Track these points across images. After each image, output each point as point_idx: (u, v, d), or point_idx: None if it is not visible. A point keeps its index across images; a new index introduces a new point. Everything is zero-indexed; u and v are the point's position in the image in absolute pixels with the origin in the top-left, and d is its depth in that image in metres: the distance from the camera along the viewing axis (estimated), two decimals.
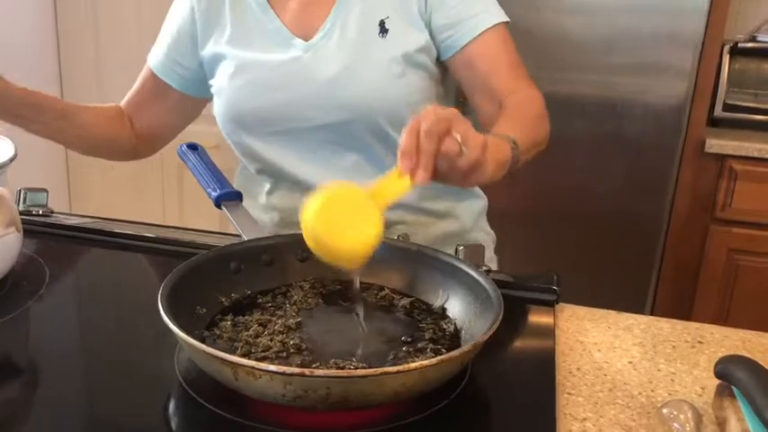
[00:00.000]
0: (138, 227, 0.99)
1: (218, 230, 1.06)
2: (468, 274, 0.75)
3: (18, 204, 1.00)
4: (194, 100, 1.13)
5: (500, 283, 0.79)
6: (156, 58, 1.11)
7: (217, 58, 1.03)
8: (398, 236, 0.93)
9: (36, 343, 0.75)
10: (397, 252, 0.81)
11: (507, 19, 0.99)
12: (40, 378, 0.68)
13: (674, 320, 0.85)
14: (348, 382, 0.56)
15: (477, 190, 1.13)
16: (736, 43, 2.12)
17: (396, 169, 0.67)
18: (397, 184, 0.68)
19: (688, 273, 2.14)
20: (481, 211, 1.13)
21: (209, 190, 0.88)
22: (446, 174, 0.70)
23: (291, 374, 0.55)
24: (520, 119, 0.92)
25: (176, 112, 1.16)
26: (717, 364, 0.63)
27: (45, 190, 1.05)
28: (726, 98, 2.12)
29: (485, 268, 0.86)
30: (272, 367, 0.55)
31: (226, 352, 0.58)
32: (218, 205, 0.87)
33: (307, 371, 0.55)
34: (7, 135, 0.97)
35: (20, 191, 1.01)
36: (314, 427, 0.60)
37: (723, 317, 2.09)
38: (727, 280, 2.11)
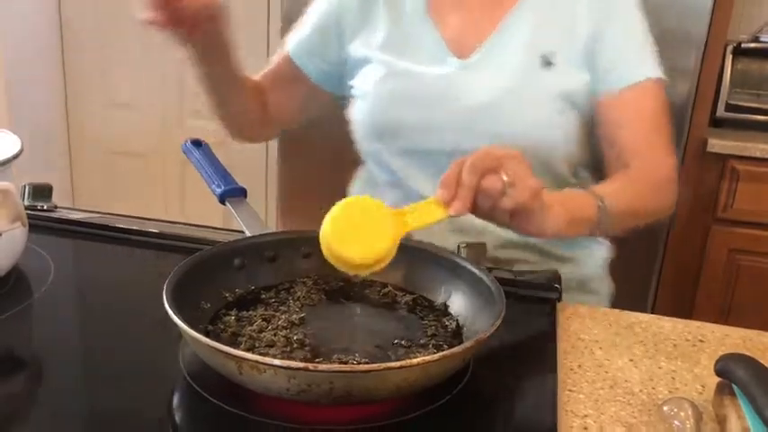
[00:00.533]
0: (143, 222, 1.00)
1: (219, 226, 1.06)
2: (470, 271, 0.76)
3: (23, 199, 1.01)
4: (324, 94, 1.09)
5: (502, 281, 0.79)
6: (296, 44, 1.07)
7: (364, 60, 1.00)
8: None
9: (41, 337, 0.75)
10: (399, 250, 0.81)
11: (663, 77, 0.95)
12: (45, 372, 0.68)
13: (676, 319, 0.85)
14: (351, 377, 0.56)
15: (603, 238, 1.07)
16: (740, 44, 2.12)
17: (433, 198, 0.70)
18: (431, 212, 0.70)
19: (689, 273, 2.14)
20: (605, 260, 1.07)
21: (214, 186, 0.88)
22: (490, 212, 0.71)
23: (296, 369, 0.55)
24: (632, 184, 0.89)
25: (304, 101, 1.12)
26: (717, 362, 0.64)
27: (49, 185, 1.05)
28: (728, 98, 2.12)
29: (486, 266, 0.86)
30: (277, 361, 0.55)
31: (230, 346, 0.58)
32: (222, 201, 0.87)
33: (310, 365, 0.55)
34: (12, 130, 0.98)
35: (24, 186, 1.02)
36: (317, 422, 0.60)
37: (724, 317, 2.09)
38: (729, 280, 2.11)
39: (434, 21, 0.96)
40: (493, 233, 0.96)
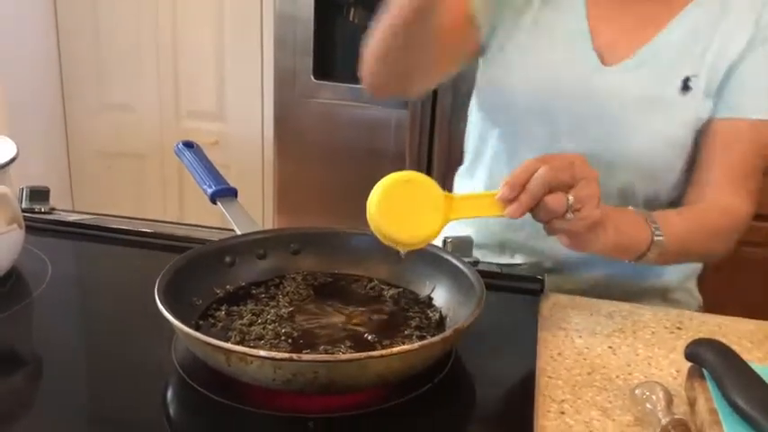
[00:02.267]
0: (137, 222, 1.02)
1: (217, 226, 1.08)
2: (453, 264, 0.78)
3: (21, 202, 1.03)
4: (470, 56, 0.98)
5: (487, 274, 0.82)
6: None
7: (507, 39, 0.94)
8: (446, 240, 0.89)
9: (39, 335, 0.78)
10: (383, 244, 0.84)
11: None
12: (43, 369, 0.71)
13: (656, 307, 0.88)
14: (334, 366, 0.59)
15: None
16: None
17: (493, 191, 0.69)
18: (486, 206, 0.69)
19: None
20: (691, 272, 1.03)
21: (205, 186, 0.90)
22: (543, 222, 0.70)
23: (281, 359, 0.58)
24: (696, 222, 0.85)
25: (460, 55, 0.97)
26: (687, 347, 0.66)
27: (47, 188, 1.08)
28: None
29: (471, 260, 0.89)
30: (262, 353, 0.58)
31: (220, 340, 0.61)
32: (213, 201, 0.89)
33: (295, 355, 0.58)
34: (9, 135, 1.00)
35: (22, 189, 1.04)
36: (304, 410, 0.63)
37: (726, 309, 2.10)
38: (730, 271, 2.13)
39: (587, 7, 0.92)
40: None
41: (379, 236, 0.70)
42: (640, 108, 0.90)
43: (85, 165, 2.63)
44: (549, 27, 0.93)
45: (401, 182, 0.69)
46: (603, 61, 0.91)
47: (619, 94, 0.90)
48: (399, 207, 0.68)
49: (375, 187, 0.69)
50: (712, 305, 2.12)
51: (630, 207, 0.83)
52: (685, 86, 0.88)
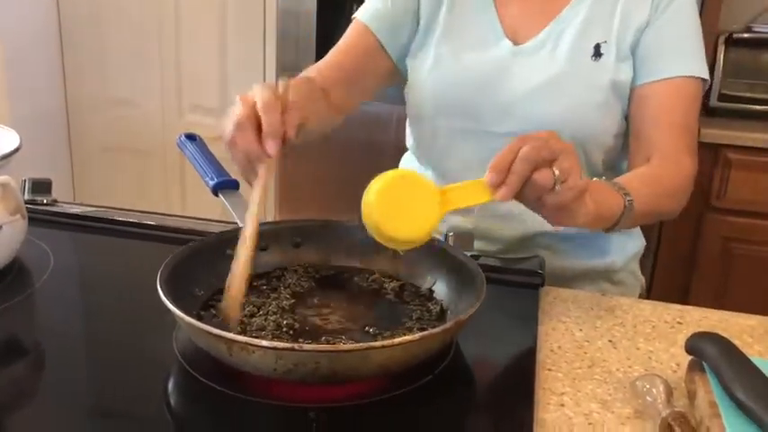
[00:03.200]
0: (140, 215, 1.02)
1: (219, 218, 1.09)
2: (454, 257, 0.78)
3: (23, 194, 1.03)
4: (395, 74, 1.06)
5: (487, 268, 0.82)
6: (375, 18, 1.03)
7: (423, 38, 1.01)
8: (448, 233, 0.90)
9: (41, 325, 0.78)
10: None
11: (705, 77, 0.95)
12: (46, 359, 0.71)
13: (657, 302, 0.88)
14: (335, 357, 0.59)
15: (637, 230, 1.07)
16: (732, 34, 2.14)
17: (481, 179, 0.69)
18: (476, 194, 0.70)
19: (683, 261, 2.16)
20: (635, 252, 1.07)
21: (207, 179, 0.90)
22: (531, 202, 0.71)
23: (282, 349, 0.58)
24: (656, 185, 0.88)
25: (377, 80, 1.06)
26: (687, 341, 0.67)
27: (49, 180, 1.08)
28: (721, 88, 2.14)
29: (472, 253, 0.89)
30: (264, 342, 0.58)
31: (221, 330, 0.61)
32: (215, 193, 0.89)
33: (296, 345, 0.58)
34: (12, 126, 1.00)
35: (24, 180, 1.05)
36: (305, 400, 0.63)
37: (718, 305, 2.11)
38: (722, 268, 2.14)
39: (496, 6, 0.99)
40: (524, 224, 0.99)
41: (376, 236, 0.69)
42: (558, 81, 0.94)
43: (88, 159, 2.64)
44: (459, 27, 0.99)
45: (395, 180, 0.69)
46: (516, 42, 0.97)
47: (536, 71, 0.95)
48: (395, 205, 0.68)
49: (368, 188, 0.69)
50: (713, 301, 2.14)
51: (596, 179, 0.85)
52: (597, 53, 0.94)
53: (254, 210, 0.72)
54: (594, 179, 0.84)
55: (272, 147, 0.70)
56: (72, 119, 2.60)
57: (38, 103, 2.48)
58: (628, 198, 0.81)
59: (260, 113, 0.70)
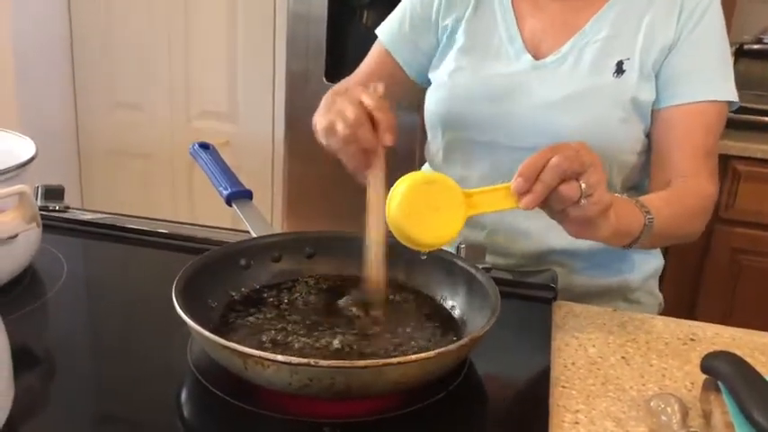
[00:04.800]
0: (152, 223, 1.03)
1: (227, 225, 1.09)
2: (467, 272, 0.78)
3: (36, 200, 1.04)
4: (415, 88, 1.08)
5: (500, 281, 0.82)
6: (390, 37, 1.06)
7: (445, 50, 1.02)
8: (460, 245, 0.90)
9: (54, 334, 0.79)
10: (399, 250, 0.84)
11: (732, 99, 0.94)
12: (58, 368, 0.71)
13: (669, 318, 0.88)
14: (351, 373, 0.59)
15: (656, 249, 1.06)
16: (742, 45, 2.13)
17: (507, 184, 0.69)
18: (501, 200, 0.70)
19: (692, 272, 2.16)
20: (654, 272, 1.06)
21: (221, 188, 0.91)
22: (555, 213, 0.71)
23: (297, 364, 0.58)
24: (677, 206, 0.88)
25: (399, 96, 1.07)
26: (703, 360, 0.66)
27: (62, 187, 1.08)
28: None
29: (484, 266, 0.89)
30: (280, 357, 0.58)
31: (237, 343, 0.61)
32: (228, 203, 0.90)
33: (312, 361, 0.58)
34: (21, 132, 1.01)
35: (38, 187, 1.05)
36: (320, 415, 0.63)
37: (727, 317, 2.11)
38: (731, 280, 2.13)
39: (517, 20, 0.99)
40: (537, 240, 0.99)
41: (400, 238, 0.70)
42: (579, 96, 0.94)
43: (96, 164, 2.64)
44: (479, 40, 1.00)
45: (421, 183, 0.69)
46: (537, 56, 0.97)
47: (556, 86, 0.95)
48: (421, 209, 0.69)
49: (394, 189, 0.69)
50: (722, 312, 2.12)
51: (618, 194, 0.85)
52: (619, 70, 0.94)
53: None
54: (617, 194, 0.84)
55: (389, 139, 0.74)
56: (81, 124, 2.61)
57: (47, 108, 2.49)
58: (648, 216, 0.80)
59: (373, 111, 0.74)
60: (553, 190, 0.67)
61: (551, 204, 0.69)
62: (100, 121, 2.59)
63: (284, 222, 2.20)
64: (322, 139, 0.81)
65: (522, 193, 0.68)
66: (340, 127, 0.74)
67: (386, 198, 0.71)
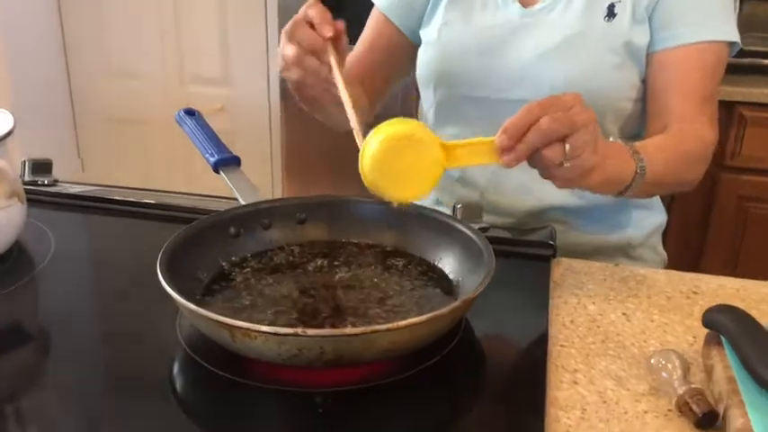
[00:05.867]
0: (141, 194, 1.01)
1: (224, 191, 1.06)
2: (461, 231, 0.76)
3: (23, 175, 1.02)
4: (412, 54, 1.04)
5: (497, 240, 0.80)
6: (386, 2, 1.03)
7: (434, 6, 0.99)
8: (455, 205, 0.88)
9: (43, 310, 0.77)
10: (390, 212, 0.82)
11: (733, 39, 0.90)
12: (49, 344, 0.70)
13: (672, 271, 0.85)
14: (340, 341, 0.57)
15: (658, 204, 1.05)
16: None
17: (491, 138, 0.67)
18: (482, 154, 0.67)
19: (697, 222, 2.13)
20: (656, 228, 1.04)
21: (207, 155, 0.88)
22: (536, 167, 0.69)
23: (285, 335, 0.56)
24: (672, 152, 0.85)
25: (403, 63, 1.06)
26: (705, 314, 0.64)
27: (49, 160, 1.06)
28: None
29: (481, 226, 0.87)
30: (266, 328, 0.56)
31: (225, 315, 0.59)
32: (216, 170, 0.88)
33: (299, 330, 0.56)
34: (13, 105, 0.98)
35: (24, 161, 1.03)
36: (312, 384, 0.62)
37: (733, 265, 2.09)
38: (738, 228, 2.10)
39: None
40: (534, 197, 0.97)
41: (374, 192, 0.68)
42: (570, 43, 0.91)
43: (92, 132, 2.62)
44: None
45: (396, 140, 0.66)
46: (525, 4, 0.94)
47: (546, 33, 0.92)
48: (396, 167, 0.66)
49: (368, 140, 0.66)
50: (728, 262, 2.10)
51: (612, 139, 0.82)
52: (611, 13, 0.90)
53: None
54: (611, 139, 0.81)
55: (327, 30, 0.75)
56: (75, 92, 2.58)
57: (39, 76, 2.45)
58: (641, 164, 0.78)
59: (306, 12, 0.76)
60: (536, 151, 0.65)
61: (531, 162, 0.68)
62: (93, 89, 2.56)
63: (283, 187, 2.18)
64: (291, 88, 0.84)
65: (505, 150, 0.66)
66: (287, 51, 0.76)
67: (346, 89, 0.73)
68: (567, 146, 0.65)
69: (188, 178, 2.53)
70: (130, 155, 2.58)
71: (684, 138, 0.88)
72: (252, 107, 2.37)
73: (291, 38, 0.77)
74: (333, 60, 0.77)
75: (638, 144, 0.82)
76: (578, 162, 0.66)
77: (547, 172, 0.69)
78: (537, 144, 0.65)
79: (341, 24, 0.78)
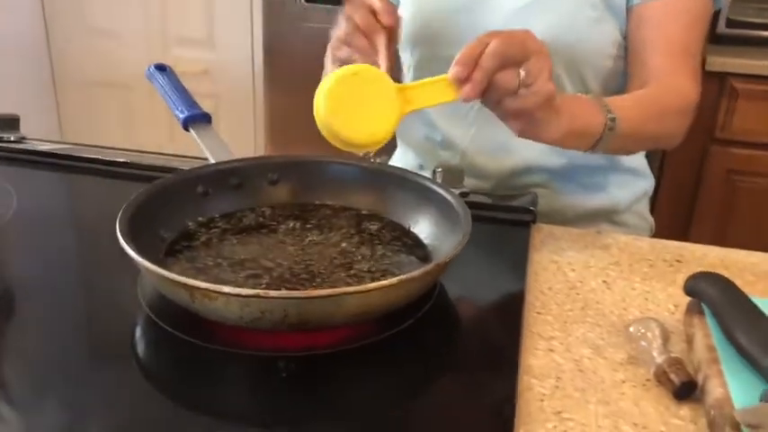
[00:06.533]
0: (112, 152, 0.97)
1: (194, 155, 1.03)
2: (438, 194, 0.73)
3: None
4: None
5: (477, 205, 0.77)
6: None
7: None
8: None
9: (2, 269, 0.74)
10: (366, 173, 0.79)
11: None
12: (4, 305, 0.67)
13: (655, 239, 0.83)
14: (305, 304, 0.54)
15: (644, 168, 1.02)
16: None
17: (444, 75, 0.64)
18: (439, 92, 0.65)
19: (686, 194, 2.11)
20: (643, 193, 1.01)
21: (177, 112, 0.85)
22: (493, 106, 0.67)
23: (247, 296, 0.54)
24: (649, 105, 0.82)
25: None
26: (687, 281, 0.62)
27: (16, 116, 1.02)
28: (729, 13, 2.04)
29: (462, 191, 0.84)
30: (227, 289, 0.54)
31: (188, 275, 0.56)
32: (185, 128, 0.84)
33: (261, 292, 0.53)
34: None
35: None
36: (278, 348, 0.59)
37: (721, 238, 2.08)
38: (726, 201, 2.09)
39: None
40: (516, 157, 0.94)
41: (332, 140, 0.66)
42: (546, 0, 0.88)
43: (73, 95, 2.56)
44: None
45: (348, 76, 0.64)
46: None
47: None
48: (349, 104, 0.64)
49: (319, 87, 0.64)
50: (715, 235, 2.09)
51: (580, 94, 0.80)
52: None
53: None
54: (580, 95, 0.78)
55: (387, 18, 0.73)
56: (53, 53, 2.51)
57: (16, 36, 2.38)
58: (610, 115, 0.75)
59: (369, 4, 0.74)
60: (492, 76, 0.63)
61: (488, 97, 0.65)
62: (73, 50, 2.49)
63: (268, 148, 2.14)
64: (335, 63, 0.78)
65: (461, 82, 0.63)
66: (341, 27, 0.75)
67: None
68: (522, 72, 0.63)
69: (170, 144, 2.49)
70: (112, 118, 2.52)
71: (662, 92, 0.85)
72: (235, 71, 2.32)
73: (349, 18, 0.75)
74: (382, 47, 0.73)
75: (609, 98, 0.79)
76: (534, 88, 0.64)
77: (503, 106, 0.66)
78: (492, 67, 0.63)
79: (399, 18, 0.76)
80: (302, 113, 2.34)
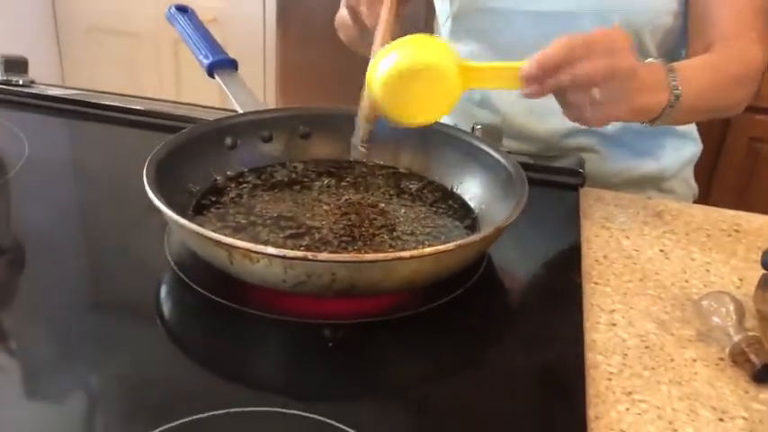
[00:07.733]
0: (128, 99, 0.91)
1: (217, 106, 0.97)
2: (488, 154, 0.68)
3: None
4: None
5: (521, 166, 0.72)
6: None
7: None
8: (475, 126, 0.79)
9: (15, 222, 0.69)
10: (409, 130, 0.73)
11: None
12: (21, 260, 0.62)
13: (708, 207, 0.78)
14: (356, 268, 0.50)
15: (693, 132, 0.97)
16: None
17: (517, 64, 0.60)
18: (505, 79, 0.61)
19: (707, 161, 2.06)
20: (690, 158, 0.96)
21: (201, 57, 0.79)
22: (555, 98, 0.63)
23: (293, 258, 0.49)
24: (715, 73, 0.76)
25: None
26: (764, 254, 0.57)
27: (24, 58, 0.96)
28: None
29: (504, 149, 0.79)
30: (271, 249, 0.49)
31: (220, 233, 0.51)
32: (210, 74, 0.78)
33: (309, 254, 0.49)
34: None
35: None
36: (317, 316, 0.54)
37: (740, 206, 2.03)
38: (747, 169, 2.04)
39: None
40: (560, 118, 0.88)
41: (380, 113, 0.62)
42: None
43: (76, 41, 2.47)
44: None
45: (414, 71, 0.58)
46: None
47: None
48: (407, 95, 0.59)
49: (378, 61, 0.59)
50: (753, 209, 2.04)
51: (651, 59, 0.74)
52: None
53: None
54: (651, 60, 0.72)
55: None
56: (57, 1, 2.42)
57: None
58: (675, 92, 0.69)
59: None
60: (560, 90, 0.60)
61: (555, 98, 0.62)
62: None
63: (278, 102, 2.08)
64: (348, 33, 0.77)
65: (530, 81, 0.59)
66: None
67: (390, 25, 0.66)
68: (597, 94, 0.59)
69: (177, 95, 2.41)
70: (116, 67, 2.44)
71: (729, 58, 0.78)
72: (246, 20, 2.23)
73: None
74: (384, 14, 0.68)
75: (678, 65, 0.73)
76: (598, 113, 0.61)
77: (563, 108, 0.63)
78: (565, 86, 0.59)
79: None
80: (315, 67, 2.28)
